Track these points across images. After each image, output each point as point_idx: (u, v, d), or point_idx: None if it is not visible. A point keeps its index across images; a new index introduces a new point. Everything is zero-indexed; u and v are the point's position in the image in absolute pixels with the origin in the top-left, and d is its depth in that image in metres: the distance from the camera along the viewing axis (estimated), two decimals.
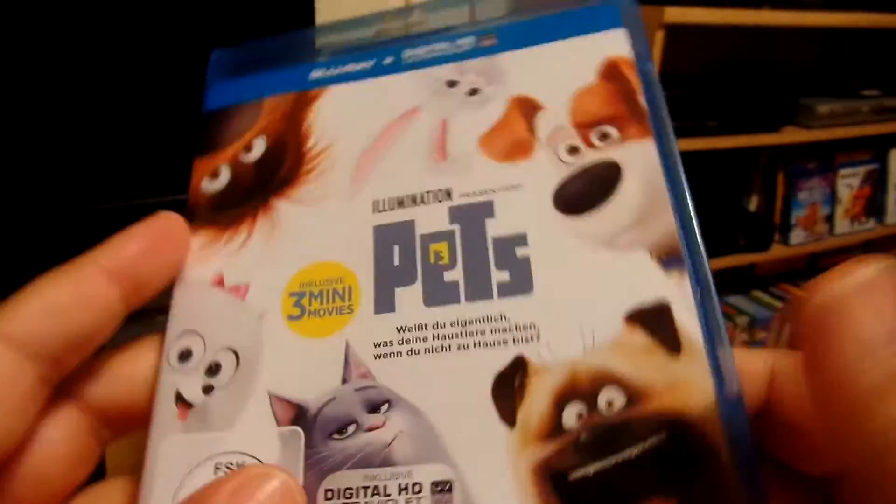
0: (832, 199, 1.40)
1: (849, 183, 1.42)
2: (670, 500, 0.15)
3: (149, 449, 0.17)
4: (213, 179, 0.21)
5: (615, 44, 0.21)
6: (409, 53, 0.22)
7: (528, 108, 0.20)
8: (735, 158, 1.29)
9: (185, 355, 0.18)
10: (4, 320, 0.16)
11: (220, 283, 0.19)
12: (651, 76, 0.20)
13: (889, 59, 1.44)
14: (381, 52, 0.23)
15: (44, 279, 0.16)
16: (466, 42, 0.22)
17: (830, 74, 1.44)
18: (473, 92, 0.21)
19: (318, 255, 0.19)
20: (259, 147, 0.22)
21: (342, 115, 0.22)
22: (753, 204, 1.37)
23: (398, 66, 0.22)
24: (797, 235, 1.36)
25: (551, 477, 0.15)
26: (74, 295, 0.16)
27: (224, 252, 0.20)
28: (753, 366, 0.16)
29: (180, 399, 0.18)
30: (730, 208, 1.33)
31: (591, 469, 0.15)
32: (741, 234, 1.28)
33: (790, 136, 1.24)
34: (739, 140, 1.17)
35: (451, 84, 0.21)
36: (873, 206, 1.46)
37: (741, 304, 1.43)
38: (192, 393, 0.18)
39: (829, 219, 1.40)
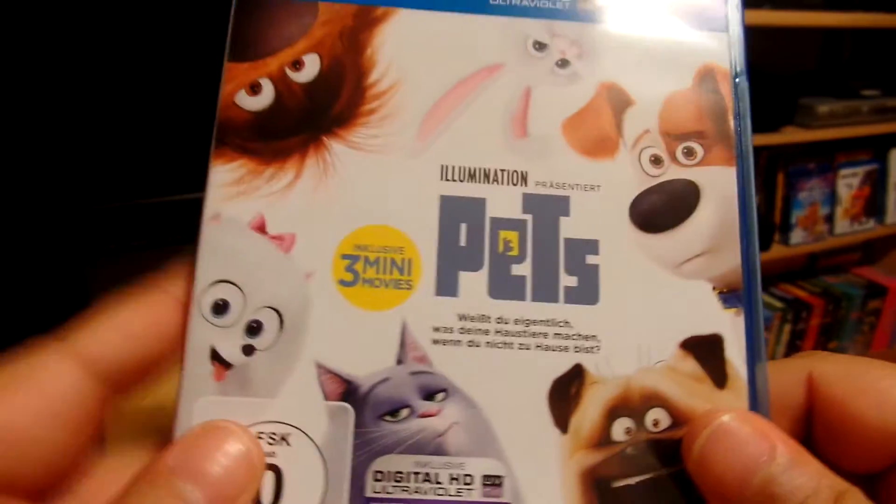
0: (832, 199, 1.40)
1: (849, 183, 1.41)
2: None
3: (180, 408, 0.16)
4: (254, 95, 0.18)
5: (716, 49, 0.20)
6: None
7: (618, 100, 0.19)
8: None
9: (220, 307, 0.17)
10: (81, 339, 0.16)
11: (260, 227, 0.18)
12: (743, 94, 0.19)
13: (889, 59, 1.44)
14: None
15: (116, 302, 0.16)
16: None
17: (830, 74, 1.44)
18: (563, 64, 0.19)
19: (376, 217, 0.18)
20: (312, 66, 0.19)
21: (414, 49, 0.19)
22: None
23: (483, 5, 0.20)
24: (797, 235, 1.36)
25: (596, 483, 0.17)
26: (148, 322, 0.16)
27: (266, 191, 0.18)
28: (790, 375, 0.17)
29: (216, 357, 0.17)
30: None
31: (634, 480, 0.17)
32: None
33: (790, 135, 1.24)
34: None
35: (540, 47, 0.19)
36: (873, 206, 1.46)
37: None
38: (231, 352, 0.17)
39: (829, 219, 1.40)
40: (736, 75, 0.19)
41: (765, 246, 1.31)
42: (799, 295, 1.48)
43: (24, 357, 0.15)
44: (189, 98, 0.60)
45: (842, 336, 1.52)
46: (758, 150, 1.30)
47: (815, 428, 0.17)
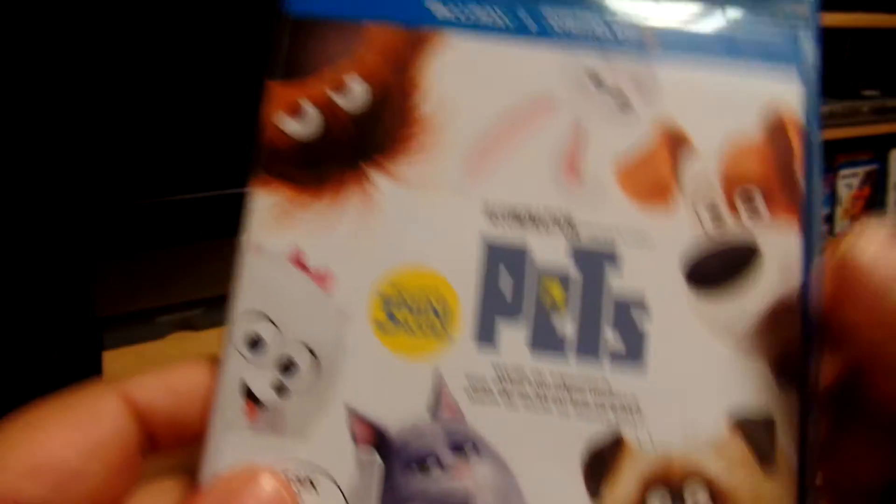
0: (832, 199, 1.40)
1: (849, 183, 1.42)
2: None
3: (210, 443, 0.16)
4: (297, 119, 0.18)
5: (786, 91, 0.18)
6: (553, 18, 0.18)
7: (677, 145, 0.18)
8: None
9: (254, 342, 0.17)
10: (128, 384, 0.16)
11: (298, 261, 0.17)
12: (815, 148, 0.18)
13: (889, 59, 1.44)
14: (517, 4, 0.19)
15: (179, 363, 0.17)
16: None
17: (830, 74, 1.44)
18: (621, 101, 0.18)
19: (415, 256, 0.17)
20: (357, 91, 0.18)
21: (463, 76, 0.18)
22: None
23: (540, 33, 0.18)
24: None
25: None
26: (193, 384, 0.17)
27: (306, 223, 0.17)
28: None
29: (249, 394, 0.16)
30: None
31: None
32: None
33: None
34: None
35: (598, 82, 0.18)
36: (873, 206, 1.46)
37: None
38: (263, 390, 0.16)
39: (829, 219, 1.40)
40: (808, 123, 0.18)
41: None
42: None
43: (74, 394, 0.16)
44: (189, 99, 0.60)
45: None
46: None
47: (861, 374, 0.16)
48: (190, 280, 0.60)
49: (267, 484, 0.16)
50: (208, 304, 0.62)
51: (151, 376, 0.17)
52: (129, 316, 0.59)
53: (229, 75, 0.57)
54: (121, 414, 0.16)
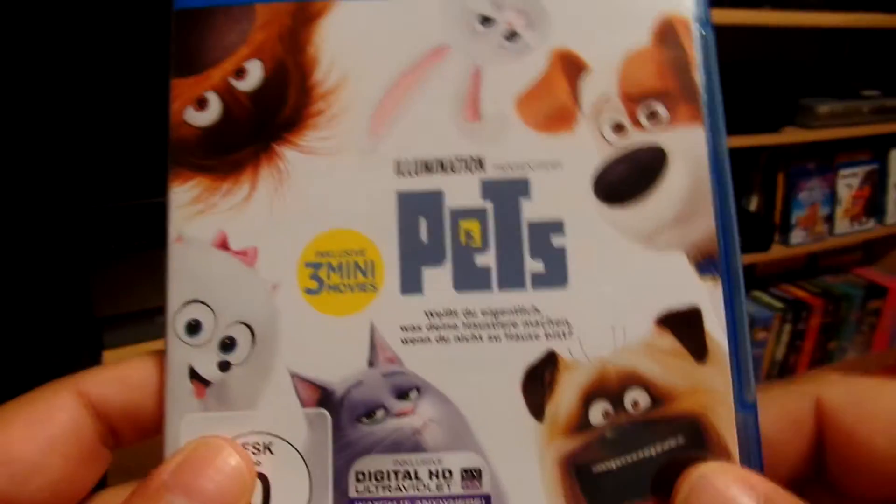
0: (832, 199, 1.40)
1: (849, 183, 1.42)
2: None
3: (167, 428, 0.17)
4: (201, 110, 0.18)
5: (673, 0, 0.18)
6: None
7: (572, 68, 0.18)
8: (735, 158, 1.28)
9: (193, 327, 0.17)
10: (86, 379, 0.17)
11: (222, 244, 0.18)
12: (709, 45, 0.18)
13: (889, 59, 1.44)
14: None
15: (132, 359, 0.18)
16: None
17: (830, 74, 1.44)
18: (511, 36, 0.18)
19: (335, 221, 0.18)
20: (255, 73, 0.18)
21: (356, 42, 0.18)
22: (753, 204, 1.37)
23: None
24: (797, 235, 1.36)
25: (576, 469, 0.17)
26: (146, 376, 0.17)
27: (223, 207, 0.18)
28: (799, 401, 0.17)
29: (195, 376, 0.17)
30: None
31: (614, 464, 0.17)
32: (741, 234, 1.28)
33: (790, 136, 1.24)
34: (739, 140, 1.17)
35: (486, 21, 0.19)
36: (873, 206, 1.46)
37: None
38: (208, 370, 0.17)
39: (829, 219, 1.40)
40: (700, 25, 0.18)
41: (765, 246, 1.31)
42: (799, 295, 1.48)
43: (32, 393, 0.17)
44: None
45: (842, 336, 1.52)
46: (757, 150, 1.30)
47: (826, 455, 0.17)
48: None
49: (226, 453, 0.16)
50: None
51: (105, 370, 0.17)
52: (129, 316, 0.59)
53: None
54: (75, 407, 0.16)
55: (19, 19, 0.56)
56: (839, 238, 1.42)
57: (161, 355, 0.18)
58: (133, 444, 0.18)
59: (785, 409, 0.17)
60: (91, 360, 0.58)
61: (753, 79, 1.17)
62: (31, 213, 0.58)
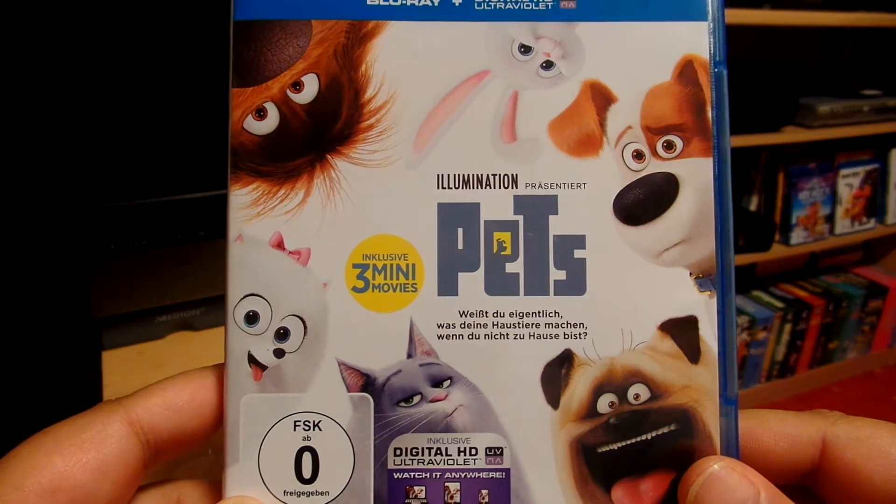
0: (832, 198, 1.40)
1: (849, 183, 1.42)
2: (672, 473, 0.19)
3: (228, 407, 0.19)
4: (260, 119, 0.20)
5: (695, 39, 0.20)
6: None
7: (601, 98, 0.20)
8: (735, 158, 1.29)
9: (251, 318, 0.19)
10: (134, 404, 0.18)
11: (279, 245, 0.20)
12: (722, 84, 0.20)
13: (889, 59, 1.44)
14: None
15: (171, 378, 0.19)
16: None
17: (830, 74, 1.44)
18: (548, 66, 0.20)
19: (381, 227, 0.20)
20: (311, 87, 0.20)
21: (405, 61, 0.20)
22: (754, 204, 1.38)
23: (468, 12, 0.20)
24: (797, 235, 1.36)
25: (583, 449, 0.19)
26: (191, 399, 0.19)
27: (280, 210, 0.20)
28: (806, 431, 0.19)
29: (253, 361, 0.19)
30: None
31: (616, 446, 0.19)
32: (741, 234, 1.28)
33: (790, 135, 1.24)
34: (740, 139, 1.17)
35: (525, 50, 0.20)
36: (874, 205, 1.46)
37: (741, 304, 1.43)
38: (265, 356, 0.19)
39: (830, 218, 1.40)
40: (715, 64, 0.20)
41: (765, 246, 1.31)
42: (799, 295, 1.48)
43: (82, 417, 0.18)
44: (189, 99, 0.60)
45: (842, 336, 1.52)
46: (758, 149, 1.30)
47: (824, 488, 0.18)
48: (189, 280, 0.60)
49: None
50: (207, 304, 0.62)
51: (153, 395, 0.18)
52: (128, 316, 0.59)
53: (228, 76, 0.57)
54: (126, 435, 0.18)
55: (19, 19, 0.56)
56: (839, 238, 1.42)
57: (204, 373, 0.19)
58: (167, 458, 0.19)
59: (796, 429, 0.19)
60: (91, 360, 0.58)
61: (753, 78, 1.17)
62: (30, 213, 0.58)
